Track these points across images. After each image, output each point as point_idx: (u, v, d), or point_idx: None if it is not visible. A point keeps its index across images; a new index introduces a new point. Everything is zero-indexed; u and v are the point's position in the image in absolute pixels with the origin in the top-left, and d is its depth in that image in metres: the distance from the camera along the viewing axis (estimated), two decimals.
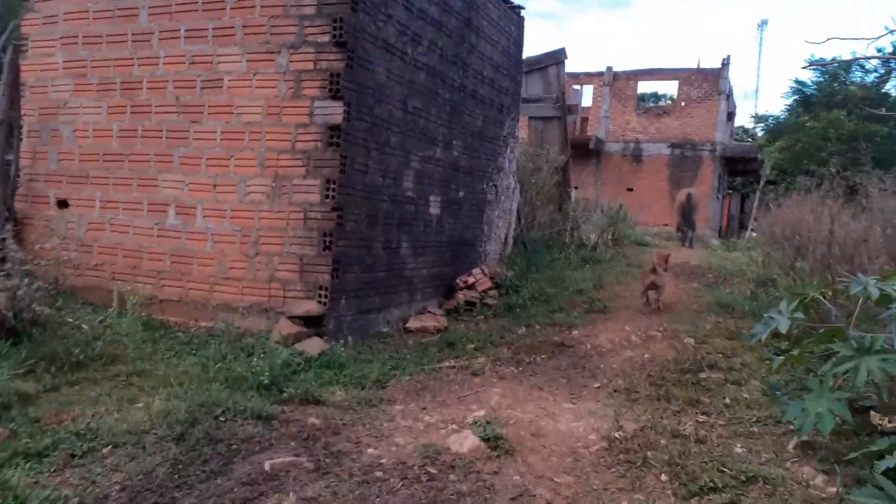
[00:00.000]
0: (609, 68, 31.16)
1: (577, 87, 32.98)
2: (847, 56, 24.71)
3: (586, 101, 33.17)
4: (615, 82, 31.26)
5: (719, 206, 31.19)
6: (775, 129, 25.21)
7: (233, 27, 5.89)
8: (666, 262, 9.09)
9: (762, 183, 18.45)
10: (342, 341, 5.66)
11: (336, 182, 5.54)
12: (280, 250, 5.73)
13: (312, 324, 5.51)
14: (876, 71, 22.61)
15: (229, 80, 5.93)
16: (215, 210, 6.02)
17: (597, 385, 5.16)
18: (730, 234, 36.94)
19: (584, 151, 30.63)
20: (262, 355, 5.12)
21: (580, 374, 5.48)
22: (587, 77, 31.97)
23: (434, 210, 7.22)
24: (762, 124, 31.61)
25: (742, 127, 44.66)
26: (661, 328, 6.78)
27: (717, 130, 29.78)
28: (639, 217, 30.13)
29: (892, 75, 22.30)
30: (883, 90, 22.47)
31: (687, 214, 19.72)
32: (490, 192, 8.54)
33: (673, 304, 8.56)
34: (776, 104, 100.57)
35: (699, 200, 21.76)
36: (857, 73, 22.99)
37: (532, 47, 34.24)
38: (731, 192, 37.96)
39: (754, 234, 19.56)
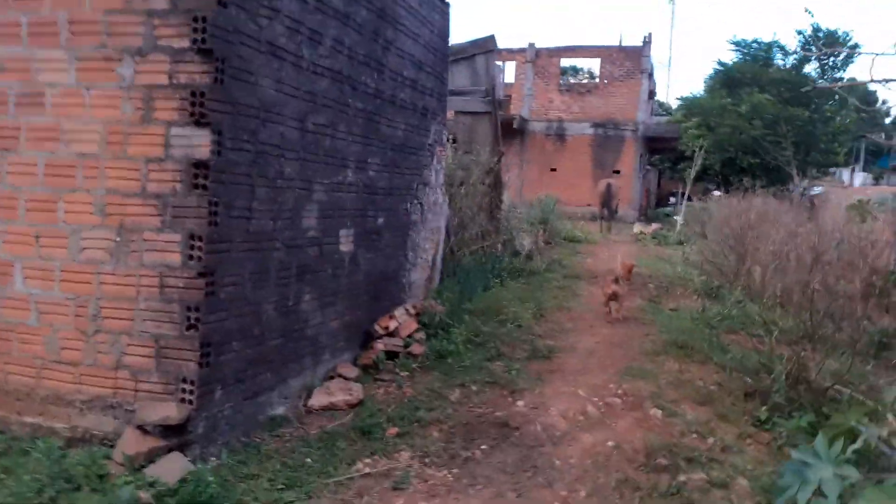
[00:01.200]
0: (531, 45, 30.00)
1: (498, 63, 31.65)
2: (768, 38, 24.36)
3: (508, 77, 31.93)
4: (537, 59, 30.18)
5: (640, 185, 30.91)
6: (697, 109, 24.76)
7: (55, 23, 4.17)
8: (630, 272, 8.71)
9: (694, 171, 17.73)
10: (217, 447, 4.19)
11: (204, 237, 4.00)
12: (129, 327, 4.15)
13: (174, 432, 3.99)
14: (796, 53, 22.37)
15: (54, 96, 4.22)
16: (40, 270, 4.34)
17: None
18: (649, 211, 37.00)
19: (509, 131, 29.47)
20: (94, 490, 3.61)
21: (532, 478, 4.23)
22: (509, 53, 30.67)
23: (346, 247, 5.75)
24: (684, 105, 31.35)
25: (658, 101, 44.71)
26: (620, 391, 5.62)
27: (639, 110, 29.28)
28: (562, 197, 29.52)
29: (812, 58, 22.10)
30: (803, 72, 22.26)
31: (607, 203, 21.09)
32: (415, 212, 7.13)
33: (623, 335, 7.49)
34: (690, 76, 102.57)
35: (618, 189, 22.77)
36: (777, 55, 22.70)
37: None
38: (649, 167, 37.97)
39: (680, 221, 19.00)
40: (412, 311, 6.69)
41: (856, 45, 21.36)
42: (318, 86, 5.04)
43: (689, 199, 46.02)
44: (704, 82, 35.37)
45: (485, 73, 10.12)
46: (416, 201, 7.10)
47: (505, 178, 10.41)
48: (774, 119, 21.58)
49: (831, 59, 21.58)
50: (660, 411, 5.17)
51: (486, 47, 10.02)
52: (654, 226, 24.25)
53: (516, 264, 9.84)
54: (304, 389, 5.31)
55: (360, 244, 5.98)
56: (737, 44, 23.20)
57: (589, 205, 29.40)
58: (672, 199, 45.81)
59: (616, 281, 8.24)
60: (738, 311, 8.64)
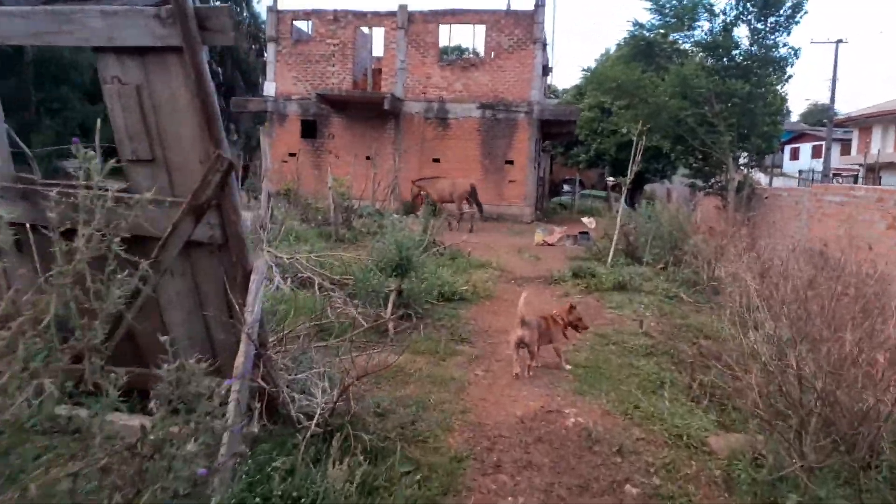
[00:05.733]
0: (402, 7, 23.12)
1: (364, 29, 24.61)
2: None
3: (377, 49, 24.97)
4: (411, 25, 23.33)
5: (535, 176, 24.97)
6: (611, 84, 18.86)
7: None
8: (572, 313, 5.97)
9: (635, 162, 11.53)
10: None
11: None
12: None
13: None
14: (724, 13, 16.80)
15: None
16: None
17: None
18: (545, 203, 31.40)
19: (379, 112, 22.62)
20: None
21: None
22: (376, 17, 23.68)
23: None
24: (591, 78, 25.54)
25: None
26: None
27: (533, 87, 23.18)
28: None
29: (742, 19, 16.61)
30: (733, 37, 16.74)
31: (474, 202, 19.17)
32: None
33: None
34: (575, 53, 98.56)
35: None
36: (703, 16, 17.07)
37: None
38: (542, 153, 32.30)
39: (609, 241, 13.01)
40: None
41: (799, 3, 16.07)
42: None
43: (582, 185, 41.14)
44: (597, 61, 29.87)
45: None
46: None
47: (241, 232, 3.63)
48: (705, 96, 15.88)
49: (770, 20, 16.17)
50: None
51: None
52: (558, 231, 18.28)
53: (274, 491, 3.23)
54: None
55: None
56: (655, 1, 17.39)
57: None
58: (566, 188, 40.67)
59: (522, 323, 5.61)
60: None
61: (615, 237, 10.99)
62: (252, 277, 3.66)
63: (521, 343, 5.69)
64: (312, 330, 4.68)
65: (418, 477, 3.63)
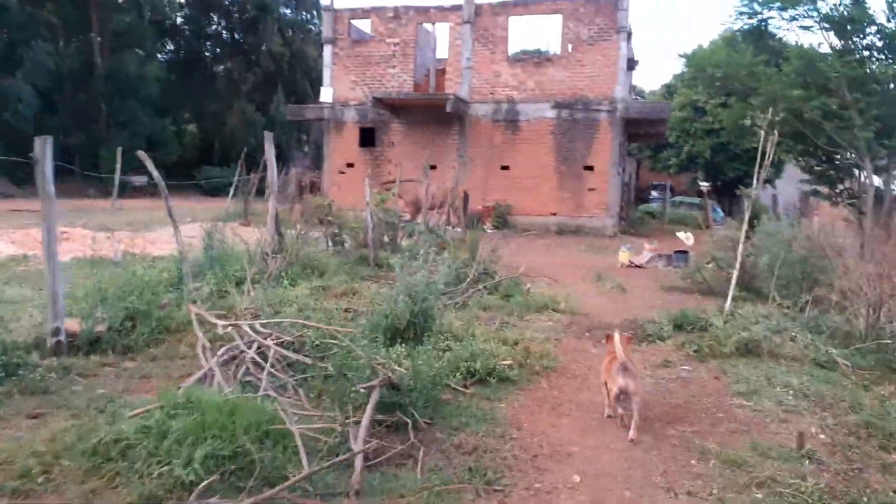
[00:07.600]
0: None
1: (427, 25, 22.20)
2: None
3: (441, 48, 22.48)
4: (478, 18, 20.68)
5: (619, 182, 21.64)
6: (715, 72, 15.41)
7: None
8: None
9: (766, 163, 7.93)
10: None
11: None
12: None
13: None
14: None
15: None
16: None
17: None
18: (627, 212, 27.83)
19: (442, 116, 20.12)
20: None
21: None
22: (440, 12, 21.19)
23: None
24: (690, 63, 21.79)
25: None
26: None
27: (617, 83, 19.97)
28: (517, 204, 20.33)
29: None
30: (866, 9, 12.97)
31: (466, 210, 17.38)
32: None
33: None
34: (661, 52, 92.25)
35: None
36: None
37: None
38: (627, 156, 28.72)
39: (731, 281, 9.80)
40: None
41: None
42: None
43: (672, 191, 36.89)
44: (686, 59, 25.56)
45: None
46: None
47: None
48: (834, 82, 12.31)
49: None
50: None
51: None
52: (648, 248, 15.05)
53: None
54: None
55: None
56: None
57: (554, 213, 20.23)
58: (654, 193, 36.57)
59: (625, 368, 4.30)
60: None
61: (736, 270, 7.71)
62: None
63: (623, 393, 4.32)
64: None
65: None
